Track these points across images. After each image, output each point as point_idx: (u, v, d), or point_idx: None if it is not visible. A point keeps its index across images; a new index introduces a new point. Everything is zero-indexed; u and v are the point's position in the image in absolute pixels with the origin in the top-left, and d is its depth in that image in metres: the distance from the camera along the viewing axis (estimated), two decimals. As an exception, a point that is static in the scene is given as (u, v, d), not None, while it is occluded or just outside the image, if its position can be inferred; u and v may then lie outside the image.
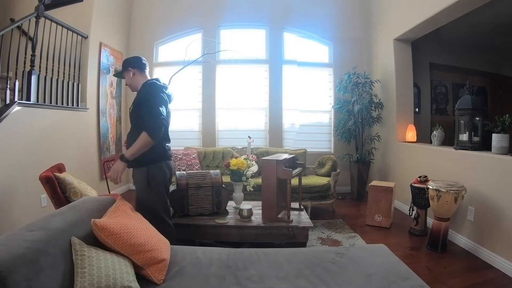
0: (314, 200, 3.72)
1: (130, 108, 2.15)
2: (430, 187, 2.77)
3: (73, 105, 3.57)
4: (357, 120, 4.53)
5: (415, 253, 2.76)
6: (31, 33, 3.06)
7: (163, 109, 1.98)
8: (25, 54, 3.16)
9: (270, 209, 2.57)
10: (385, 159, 4.58)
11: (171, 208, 2.33)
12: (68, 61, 3.53)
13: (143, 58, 2.23)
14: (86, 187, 2.65)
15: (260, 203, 2.72)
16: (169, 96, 2.15)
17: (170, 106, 2.20)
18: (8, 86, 2.70)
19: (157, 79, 2.16)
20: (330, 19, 5.07)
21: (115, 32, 4.63)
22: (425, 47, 4.80)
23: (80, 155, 3.75)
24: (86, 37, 3.85)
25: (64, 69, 3.47)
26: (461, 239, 2.89)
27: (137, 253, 1.43)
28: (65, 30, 3.45)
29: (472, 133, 2.91)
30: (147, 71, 2.21)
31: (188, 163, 4.10)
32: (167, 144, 2.17)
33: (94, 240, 1.39)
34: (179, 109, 5.07)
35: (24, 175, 2.79)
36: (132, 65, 2.16)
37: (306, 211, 3.11)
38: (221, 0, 5.02)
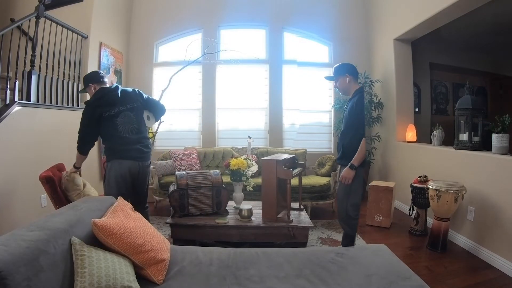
0: (314, 200, 3.72)
1: None
2: (430, 187, 2.77)
3: (73, 105, 3.57)
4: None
5: (415, 253, 2.76)
6: (31, 33, 3.06)
7: (83, 133, 2.35)
8: (25, 54, 3.17)
9: (270, 209, 2.56)
10: (385, 159, 4.58)
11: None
12: (68, 61, 3.53)
13: (100, 72, 2.54)
14: (90, 187, 2.66)
15: (260, 203, 2.72)
16: (110, 99, 2.35)
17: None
18: (8, 86, 2.70)
19: (98, 91, 2.39)
20: (330, 19, 5.07)
21: (115, 32, 4.63)
22: (425, 47, 4.80)
23: (80, 155, 3.74)
24: (86, 37, 3.86)
25: (64, 69, 3.47)
26: (461, 239, 2.89)
27: (137, 253, 1.43)
28: (65, 30, 3.45)
29: (472, 133, 2.91)
30: (106, 81, 2.48)
31: (188, 163, 4.10)
32: (121, 146, 2.35)
33: (94, 240, 1.39)
34: (179, 109, 5.08)
35: (24, 175, 2.79)
36: (91, 80, 2.44)
37: (306, 211, 3.11)
38: (221, 0, 5.02)
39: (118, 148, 2.35)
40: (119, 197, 1.80)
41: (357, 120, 2.32)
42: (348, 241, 2.46)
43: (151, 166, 2.80)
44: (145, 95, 2.62)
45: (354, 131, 2.33)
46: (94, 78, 2.45)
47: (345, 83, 2.41)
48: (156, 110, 2.68)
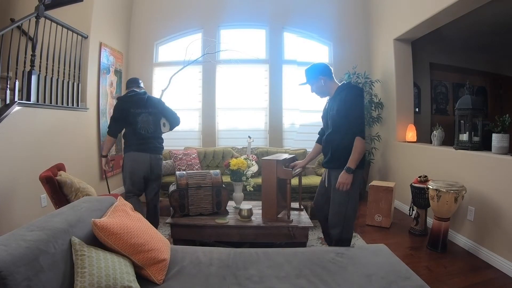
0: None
1: None
2: (430, 187, 2.77)
3: (73, 105, 3.57)
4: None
5: (415, 253, 2.76)
6: (31, 33, 3.06)
7: (113, 120, 2.87)
8: (25, 54, 3.16)
9: (270, 209, 2.56)
10: (385, 159, 4.58)
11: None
12: (68, 61, 3.53)
13: (133, 79, 3.04)
14: (86, 185, 2.65)
15: (260, 203, 2.71)
16: (138, 100, 2.87)
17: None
18: (8, 86, 2.70)
19: (130, 91, 2.94)
20: (330, 19, 5.07)
21: (115, 32, 4.63)
22: (425, 47, 4.80)
23: (80, 155, 3.75)
24: (86, 37, 3.85)
25: (64, 69, 3.47)
26: (461, 239, 2.89)
27: (137, 253, 1.43)
28: (65, 30, 3.45)
29: (472, 133, 2.91)
30: (135, 87, 2.97)
31: (188, 163, 4.10)
32: (137, 140, 2.82)
33: (94, 240, 1.39)
34: (179, 109, 5.06)
35: (24, 175, 2.79)
36: (126, 86, 3.03)
37: (306, 211, 3.10)
38: (221, 0, 5.02)
39: (134, 142, 2.82)
40: (119, 196, 1.80)
41: (346, 119, 2.09)
42: (344, 244, 2.22)
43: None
44: (165, 105, 3.06)
45: (344, 131, 2.11)
46: (127, 84, 3.02)
47: (320, 86, 2.24)
48: (172, 119, 3.07)
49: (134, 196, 2.84)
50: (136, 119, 2.80)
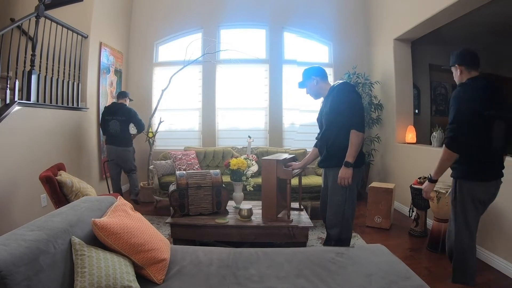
0: (314, 200, 3.72)
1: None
2: (430, 187, 2.76)
3: (73, 105, 3.57)
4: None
5: (415, 254, 2.76)
6: (31, 33, 3.06)
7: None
8: (25, 54, 3.17)
9: (270, 209, 2.56)
10: (385, 161, 4.58)
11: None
12: (68, 61, 3.53)
13: (120, 93, 4.07)
14: (86, 186, 2.65)
15: (260, 203, 2.71)
16: (110, 110, 3.94)
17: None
18: (8, 86, 2.70)
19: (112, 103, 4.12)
20: (330, 19, 5.08)
21: (115, 32, 4.63)
22: (424, 48, 4.80)
23: (80, 155, 3.75)
24: (86, 37, 3.86)
25: (64, 69, 3.47)
26: (460, 240, 2.88)
27: (137, 253, 1.43)
28: (65, 30, 3.45)
29: (472, 133, 2.90)
30: (120, 99, 4.03)
31: (188, 162, 4.10)
32: (108, 138, 3.90)
33: (94, 240, 1.39)
34: (179, 109, 5.08)
35: (24, 175, 2.79)
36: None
37: (306, 211, 3.11)
38: (221, 0, 5.03)
39: (106, 139, 3.92)
40: (119, 196, 1.80)
41: (339, 114, 2.10)
42: (344, 244, 2.24)
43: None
44: (134, 115, 3.90)
45: (338, 127, 2.11)
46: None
47: (313, 85, 2.30)
48: (137, 126, 3.96)
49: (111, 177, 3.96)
50: (108, 124, 3.81)
